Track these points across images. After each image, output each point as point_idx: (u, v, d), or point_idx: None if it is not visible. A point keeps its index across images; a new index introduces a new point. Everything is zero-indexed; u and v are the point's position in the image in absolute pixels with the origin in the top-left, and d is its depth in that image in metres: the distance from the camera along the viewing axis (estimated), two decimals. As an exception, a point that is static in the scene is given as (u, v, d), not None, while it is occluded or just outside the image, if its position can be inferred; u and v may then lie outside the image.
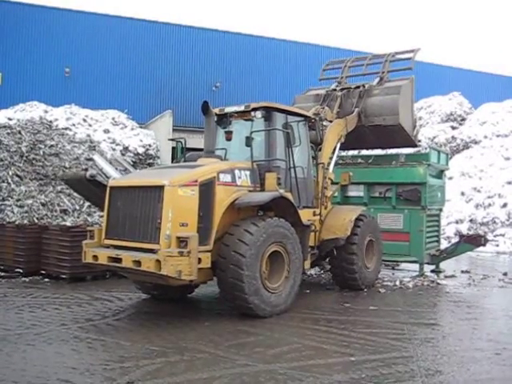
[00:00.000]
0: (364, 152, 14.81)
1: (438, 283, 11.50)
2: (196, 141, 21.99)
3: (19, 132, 16.64)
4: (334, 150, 11.09)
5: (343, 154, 13.76)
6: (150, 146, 22.81)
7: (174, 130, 25.80)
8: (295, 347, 6.42)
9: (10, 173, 14.97)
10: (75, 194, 13.81)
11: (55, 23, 29.22)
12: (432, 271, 12.97)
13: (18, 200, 14.05)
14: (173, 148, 22.86)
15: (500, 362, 6.05)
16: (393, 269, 13.46)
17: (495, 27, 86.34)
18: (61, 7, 30.15)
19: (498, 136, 25.31)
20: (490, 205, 20.98)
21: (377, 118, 11.96)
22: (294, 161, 9.01)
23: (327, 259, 10.60)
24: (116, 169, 16.34)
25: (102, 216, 9.20)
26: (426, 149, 19.84)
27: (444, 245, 14.92)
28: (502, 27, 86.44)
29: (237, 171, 8.25)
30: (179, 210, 7.25)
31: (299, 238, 8.48)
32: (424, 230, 12.15)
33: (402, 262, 13.11)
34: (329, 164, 10.73)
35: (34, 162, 15.85)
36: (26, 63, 28.28)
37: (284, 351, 6.26)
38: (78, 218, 14.05)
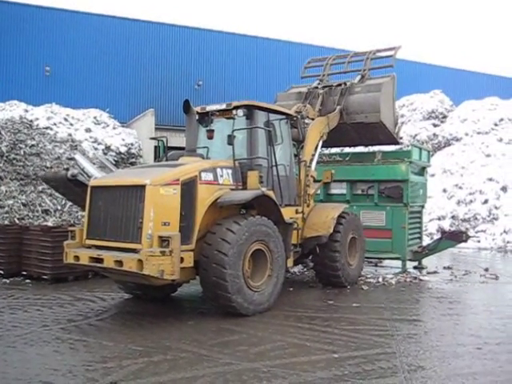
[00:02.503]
0: (339, 150, 14.88)
1: (421, 279, 11.58)
2: (178, 139, 21.96)
3: (-1, 132, 16.47)
4: (316, 147, 11.09)
5: (326, 151, 13.80)
6: (132, 145, 22.73)
7: (156, 128, 25.73)
8: (278, 345, 6.43)
9: (-10, 173, 14.82)
10: (57, 194, 13.70)
11: (35, 21, 28.94)
12: (414, 268, 13.06)
13: (-2, 200, 13.91)
14: (155, 147, 22.78)
15: (481, 356, 6.11)
16: (376, 266, 13.53)
17: (476, 25, 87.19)
18: (41, 5, 29.88)
19: (478, 133, 25.56)
20: (471, 201, 21.18)
21: (358, 115, 11.99)
22: (276, 159, 9.01)
23: (310, 257, 10.62)
24: (98, 168, 16.23)
25: (83, 216, 9.14)
26: (407, 146, 19.96)
27: (426, 241, 15.02)
28: (482, 25, 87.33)
29: (219, 170, 8.23)
30: (161, 210, 7.22)
31: (282, 236, 8.49)
32: (406, 226, 12.23)
33: (384, 258, 13.17)
34: (311, 162, 10.74)
35: (14, 161, 15.71)
36: (6, 62, 27.98)
37: (267, 349, 6.26)
38: (60, 218, 13.94)
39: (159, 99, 31.28)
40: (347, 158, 13.53)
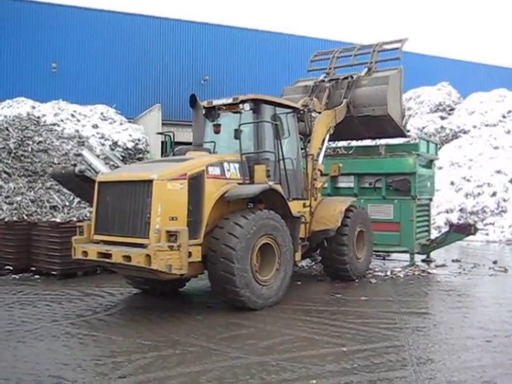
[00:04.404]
0: (345, 143, 14.86)
1: (429, 272, 11.55)
2: (185, 134, 22.00)
3: (7, 128, 16.54)
4: (323, 141, 11.07)
5: (333, 145, 13.76)
6: (139, 140, 22.74)
7: (163, 123, 25.71)
8: (287, 339, 6.43)
9: (-1, 170, 14.87)
10: (64, 190, 13.74)
11: (41, 18, 28.98)
12: (423, 261, 13.03)
13: (6, 197, 13.97)
14: (162, 142, 22.77)
15: (490, 349, 6.09)
16: (384, 259, 13.49)
17: (482, 17, 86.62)
18: (48, 1, 29.88)
19: (486, 125, 25.40)
20: (479, 194, 21.08)
21: (365, 108, 11.94)
22: (283, 153, 8.99)
23: (318, 250, 10.61)
24: (105, 164, 16.28)
25: (91, 211, 9.18)
26: (415, 139, 19.87)
27: (434, 234, 14.98)
28: (489, 17, 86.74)
29: (226, 164, 8.22)
30: (168, 204, 7.22)
31: (289, 229, 8.48)
32: (414, 219, 12.20)
33: (392, 252, 13.15)
34: (318, 155, 10.72)
35: (22, 158, 15.77)
36: (13, 59, 28.05)
37: (276, 343, 6.26)
38: (68, 214, 13.98)
39: (166, 94, 31.27)
40: (350, 152, 13.51)
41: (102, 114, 23.56)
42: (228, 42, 33.68)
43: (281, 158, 8.97)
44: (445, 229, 16.46)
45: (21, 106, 21.38)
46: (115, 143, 21.79)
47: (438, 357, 5.79)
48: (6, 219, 12.61)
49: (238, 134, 8.47)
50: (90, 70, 29.64)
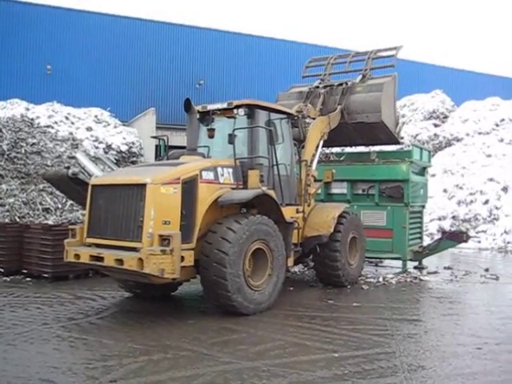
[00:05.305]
0: (340, 150, 14.89)
1: (421, 279, 11.58)
2: (179, 138, 21.95)
3: (0, 130, 16.47)
4: (317, 147, 11.10)
5: (327, 151, 13.79)
6: (133, 143, 22.69)
7: (157, 127, 25.69)
8: (278, 344, 6.43)
9: (-9, 171, 14.82)
10: (57, 193, 13.71)
11: (36, 19, 28.92)
12: (415, 267, 13.05)
13: (-1, 198, 13.92)
14: (156, 146, 22.71)
15: (481, 356, 6.11)
16: (376, 265, 13.52)
17: (477, 25, 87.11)
18: (42, 3, 29.85)
19: (479, 133, 25.53)
20: (472, 201, 21.15)
21: (359, 115, 11.99)
22: (276, 158, 9.01)
23: (310, 256, 10.61)
24: (99, 167, 16.21)
25: (84, 214, 9.16)
26: (408, 146, 19.94)
27: (427, 241, 15.02)
28: (484, 25, 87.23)
29: (219, 169, 8.24)
30: (162, 208, 7.22)
31: (282, 235, 8.49)
32: (407, 226, 12.22)
33: (385, 258, 13.17)
34: (312, 161, 10.74)
35: (15, 160, 15.72)
36: (7, 60, 27.96)
37: (267, 348, 6.26)
38: (61, 216, 13.94)
39: (160, 98, 31.26)
40: (342, 158, 13.55)
41: (96, 116, 23.51)
42: (223, 47, 33.73)
43: (274, 163, 8.99)
44: (437, 236, 16.51)
45: (15, 108, 21.31)
46: (109, 146, 21.74)
47: (429, 364, 5.80)
48: (-2, 221, 12.57)
49: (232, 138, 8.47)
50: (84, 72, 29.59)
